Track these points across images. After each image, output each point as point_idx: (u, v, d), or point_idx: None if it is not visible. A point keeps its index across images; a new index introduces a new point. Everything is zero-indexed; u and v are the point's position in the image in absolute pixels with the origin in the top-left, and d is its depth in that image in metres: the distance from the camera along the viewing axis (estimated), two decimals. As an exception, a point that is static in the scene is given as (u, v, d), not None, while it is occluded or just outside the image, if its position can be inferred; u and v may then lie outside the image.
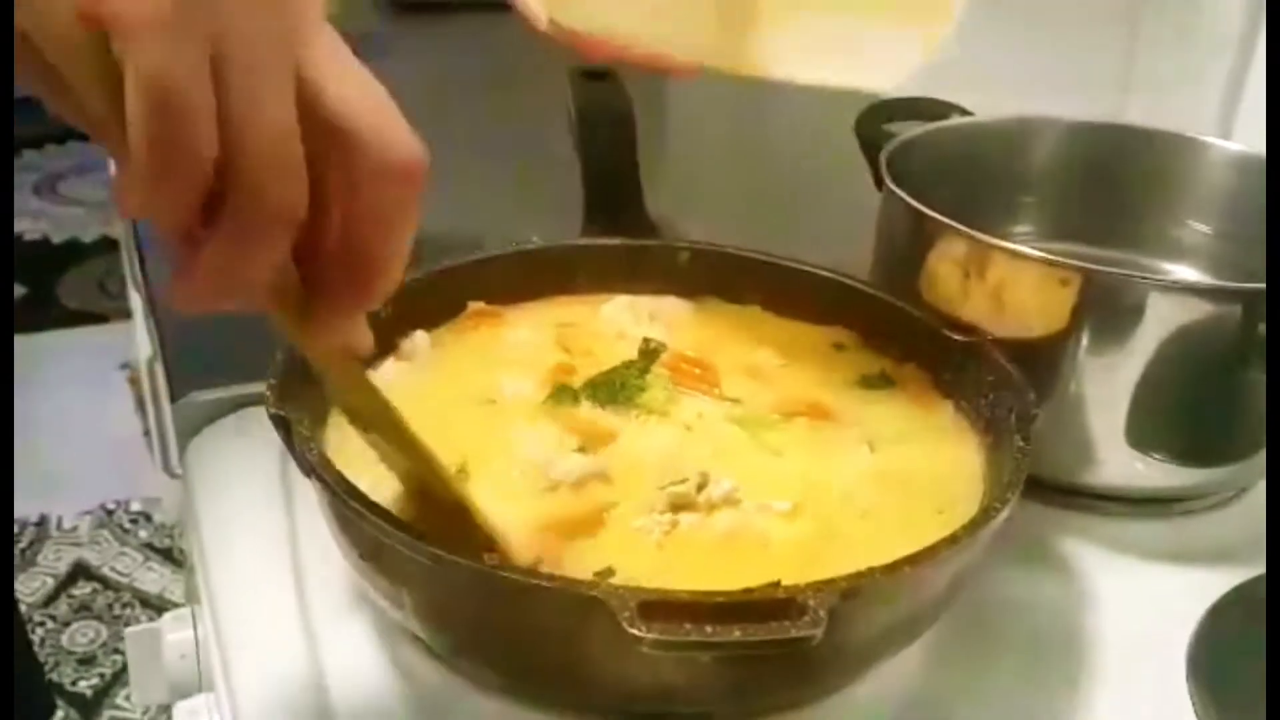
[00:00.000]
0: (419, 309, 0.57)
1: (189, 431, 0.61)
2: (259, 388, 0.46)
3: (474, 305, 0.60)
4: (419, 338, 0.57)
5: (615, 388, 0.55)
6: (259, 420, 0.46)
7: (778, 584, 0.38)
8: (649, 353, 0.58)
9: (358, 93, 0.32)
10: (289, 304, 0.34)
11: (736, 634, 0.36)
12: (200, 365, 0.65)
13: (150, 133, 0.28)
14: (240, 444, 0.59)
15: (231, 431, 0.60)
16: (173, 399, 0.62)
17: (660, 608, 0.36)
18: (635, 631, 0.35)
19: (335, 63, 0.32)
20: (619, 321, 0.61)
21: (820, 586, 0.38)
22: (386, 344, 0.56)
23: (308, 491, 0.47)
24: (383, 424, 0.41)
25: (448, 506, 0.42)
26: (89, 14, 0.28)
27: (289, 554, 0.52)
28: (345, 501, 0.41)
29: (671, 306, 0.63)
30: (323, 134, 0.31)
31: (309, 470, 0.44)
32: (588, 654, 0.39)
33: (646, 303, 0.62)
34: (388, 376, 0.54)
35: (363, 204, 0.32)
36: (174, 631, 0.56)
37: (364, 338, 0.36)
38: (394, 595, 0.43)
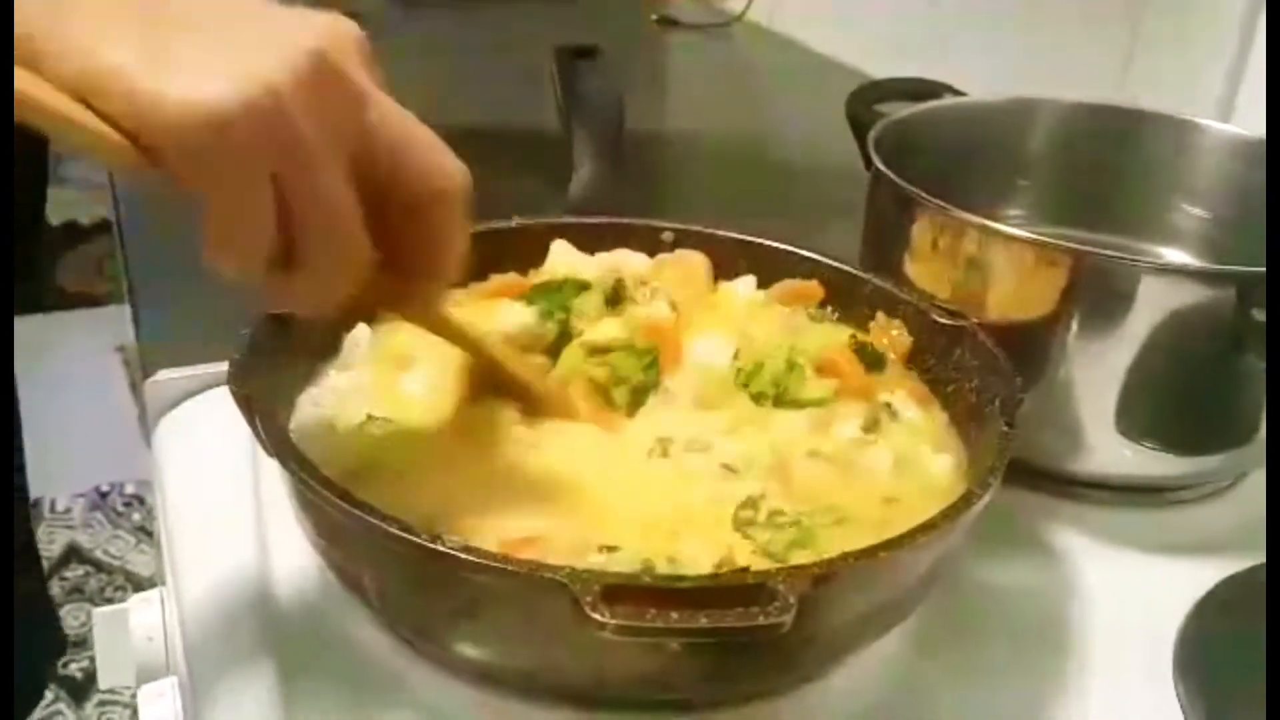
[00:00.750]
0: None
1: (160, 411, 0.60)
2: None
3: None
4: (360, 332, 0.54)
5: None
6: (230, 399, 0.45)
7: (746, 569, 0.37)
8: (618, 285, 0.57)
9: (402, 137, 0.39)
10: (374, 296, 0.43)
11: (703, 620, 0.35)
12: (174, 345, 0.64)
13: (219, 226, 0.36)
14: (210, 423, 0.58)
15: (201, 411, 0.59)
16: (144, 378, 0.61)
17: (624, 592, 0.35)
18: (598, 617, 0.34)
19: (381, 120, 0.38)
20: (569, 260, 0.59)
21: (791, 572, 0.36)
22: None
23: (276, 473, 0.45)
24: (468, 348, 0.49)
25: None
26: (139, 154, 0.34)
27: (255, 535, 0.51)
28: (305, 482, 0.40)
29: (628, 257, 0.61)
30: (382, 173, 0.38)
31: (270, 449, 0.42)
32: (552, 639, 0.38)
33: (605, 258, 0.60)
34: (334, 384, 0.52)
35: (420, 223, 0.40)
36: (141, 613, 0.55)
37: (440, 303, 0.46)
38: (355, 577, 0.42)
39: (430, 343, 0.50)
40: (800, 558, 0.42)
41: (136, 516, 1.91)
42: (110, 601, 1.73)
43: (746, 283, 0.61)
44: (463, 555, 0.37)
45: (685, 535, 0.43)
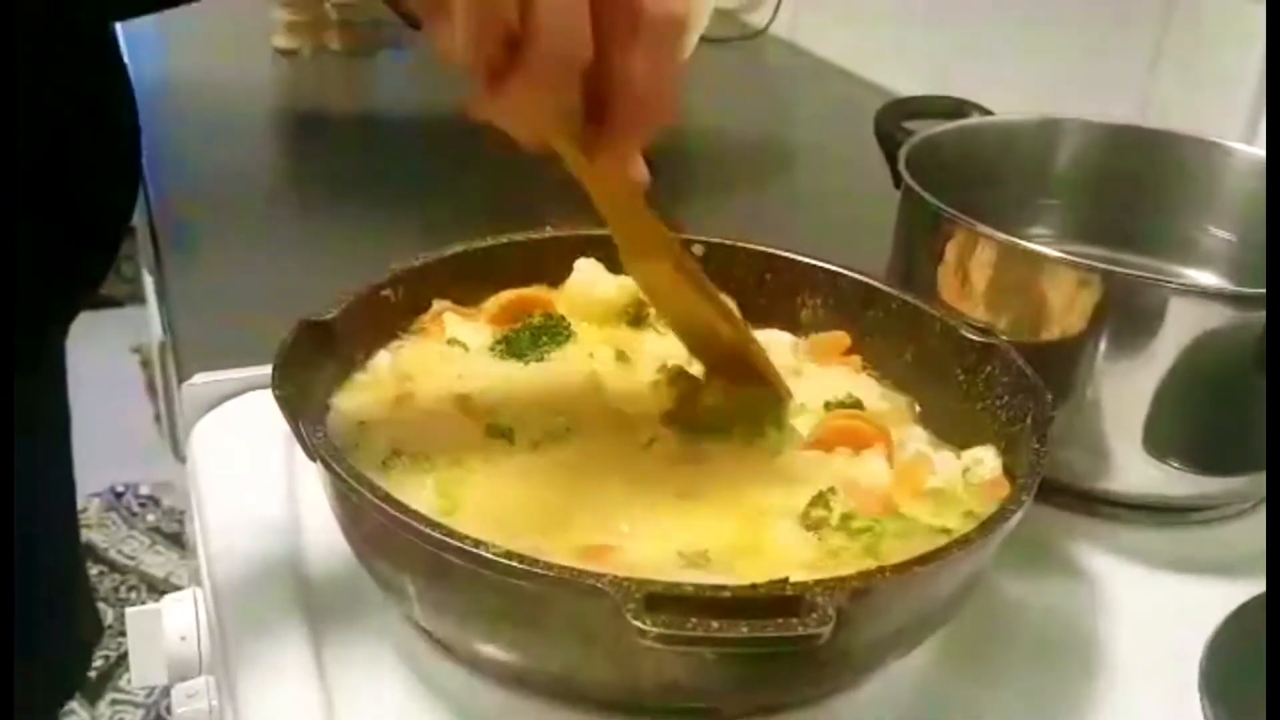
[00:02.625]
0: (442, 284, 0.58)
1: (195, 414, 0.61)
2: (267, 370, 0.46)
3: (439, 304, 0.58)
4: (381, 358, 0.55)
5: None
6: (266, 403, 0.45)
7: (785, 580, 0.38)
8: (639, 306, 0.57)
9: None
10: (574, 135, 0.41)
11: (743, 630, 0.35)
12: (209, 348, 0.65)
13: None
14: (246, 427, 0.58)
15: (237, 414, 0.60)
16: (179, 381, 0.62)
17: (666, 601, 0.35)
18: (639, 625, 0.35)
19: None
20: (592, 278, 0.59)
21: (829, 584, 0.37)
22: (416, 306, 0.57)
23: (312, 476, 0.46)
24: (661, 255, 0.49)
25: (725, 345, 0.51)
26: None
27: (291, 539, 0.52)
28: (349, 484, 0.41)
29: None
30: None
31: (313, 453, 0.43)
32: (591, 646, 0.39)
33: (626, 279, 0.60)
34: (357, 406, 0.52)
35: (637, 49, 0.39)
36: (175, 614, 0.55)
37: (640, 169, 0.43)
38: (397, 582, 0.43)
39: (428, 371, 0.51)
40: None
41: (151, 517, 1.92)
42: (125, 602, 1.74)
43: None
44: (508, 561, 0.37)
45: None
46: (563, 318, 0.58)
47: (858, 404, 0.54)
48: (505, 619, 0.40)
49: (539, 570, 0.37)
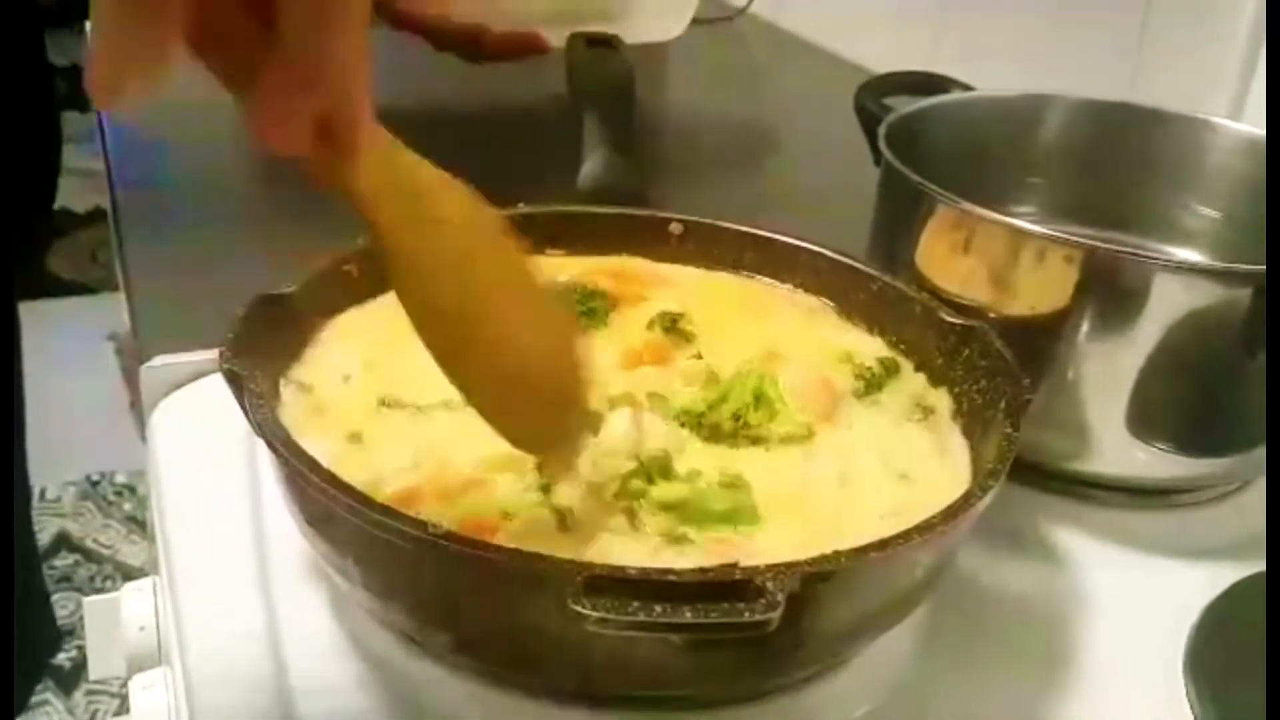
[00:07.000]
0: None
1: (155, 397, 0.59)
2: (226, 351, 0.44)
3: None
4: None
5: None
6: (226, 386, 0.43)
7: (735, 565, 0.36)
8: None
9: None
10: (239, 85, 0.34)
11: (687, 615, 0.34)
12: (171, 332, 0.63)
13: None
14: (206, 410, 0.56)
15: (197, 397, 0.58)
16: (140, 363, 0.60)
17: (607, 584, 0.34)
18: (579, 609, 0.33)
19: None
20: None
21: (780, 569, 0.35)
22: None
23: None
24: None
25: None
26: None
27: (251, 526, 0.50)
28: (289, 461, 0.39)
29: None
30: None
31: (258, 429, 0.41)
32: (534, 630, 0.37)
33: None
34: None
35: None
36: (133, 603, 0.54)
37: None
38: (340, 563, 0.41)
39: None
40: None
41: (127, 506, 1.90)
42: (100, 591, 1.71)
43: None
44: (445, 542, 0.35)
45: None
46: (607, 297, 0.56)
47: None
48: (449, 603, 0.39)
49: (478, 552, 0.35)
